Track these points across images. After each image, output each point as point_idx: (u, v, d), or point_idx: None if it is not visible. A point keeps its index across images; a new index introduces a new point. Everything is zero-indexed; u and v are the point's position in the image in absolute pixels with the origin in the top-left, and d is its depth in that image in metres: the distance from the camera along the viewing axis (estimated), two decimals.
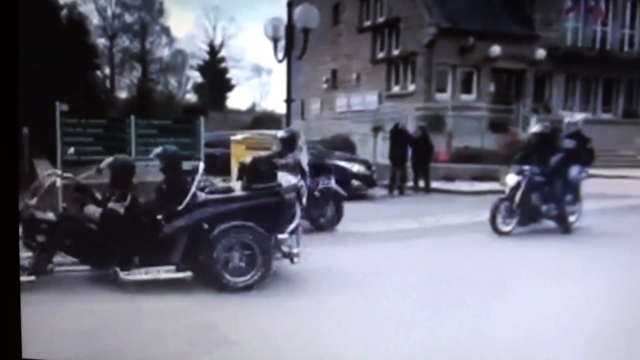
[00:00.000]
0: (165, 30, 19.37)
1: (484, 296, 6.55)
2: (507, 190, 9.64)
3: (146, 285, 6.56)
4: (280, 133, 9.56)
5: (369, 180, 12.64)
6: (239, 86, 20.60)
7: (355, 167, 12.61)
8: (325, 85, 18.80)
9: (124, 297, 6.39)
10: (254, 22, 20.65)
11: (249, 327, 5.74)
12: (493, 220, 9.42)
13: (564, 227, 9.69)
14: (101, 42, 18.71)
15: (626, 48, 17.53)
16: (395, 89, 17.28)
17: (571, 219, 9.83)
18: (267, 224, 6.89)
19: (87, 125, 10.16)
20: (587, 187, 13.13)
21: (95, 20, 18.16)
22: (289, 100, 12.07)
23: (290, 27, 12.03)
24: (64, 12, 16.09)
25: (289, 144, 9.36)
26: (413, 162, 13.16)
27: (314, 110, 18.90)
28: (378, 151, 14.39)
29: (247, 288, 6.67)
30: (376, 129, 14.70)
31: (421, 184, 13.19)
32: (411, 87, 16.77)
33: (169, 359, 5.23)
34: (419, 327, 5.74)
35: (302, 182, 7.71)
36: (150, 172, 9.93)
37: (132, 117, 10.56)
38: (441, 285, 6.95)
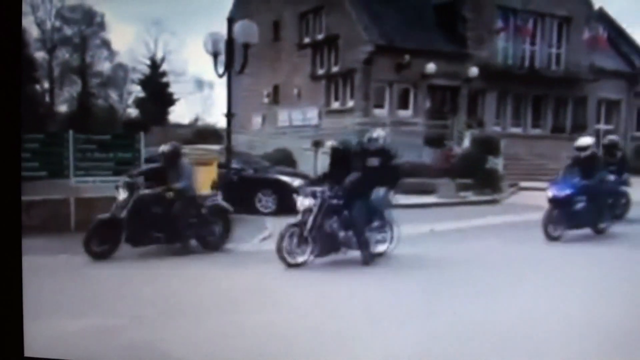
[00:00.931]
0: (106, 44, 19.29)
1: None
2: (299, 215, 8.21)
3: None
4: (162, 147, 9.20)
5: None
6: (181, 100, 20.62)
7: (297, 182, 12.76)
8: (266, 100, 18.95)
9: None
10: (196, 36, 20.71)
11: None
12: (279, 249, 7.98)
13: (365, 258, 8.23)
14: (40, 55, 18.49)
15: (553, 66, 18.41)
16: (335, 105, 17.61)
17: (382, 247, 8.51)
18: None
19: (24, 140, 10.06)
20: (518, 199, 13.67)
21: (34, 32, 17.94)
22: (229, 115, 12.16)
23: (230, 42, 12.12)
24: None
25: (170, 158, 9.03)
26: None
27: (255, 125, 19.00)
28: (319, 166, 14.58)
29: None
30: (316, 144, 14.90)
31: None
32: (350, 103, 17.11)
33: None
34: None
35: None
36: None
37: (71, 132, 10.50)
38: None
